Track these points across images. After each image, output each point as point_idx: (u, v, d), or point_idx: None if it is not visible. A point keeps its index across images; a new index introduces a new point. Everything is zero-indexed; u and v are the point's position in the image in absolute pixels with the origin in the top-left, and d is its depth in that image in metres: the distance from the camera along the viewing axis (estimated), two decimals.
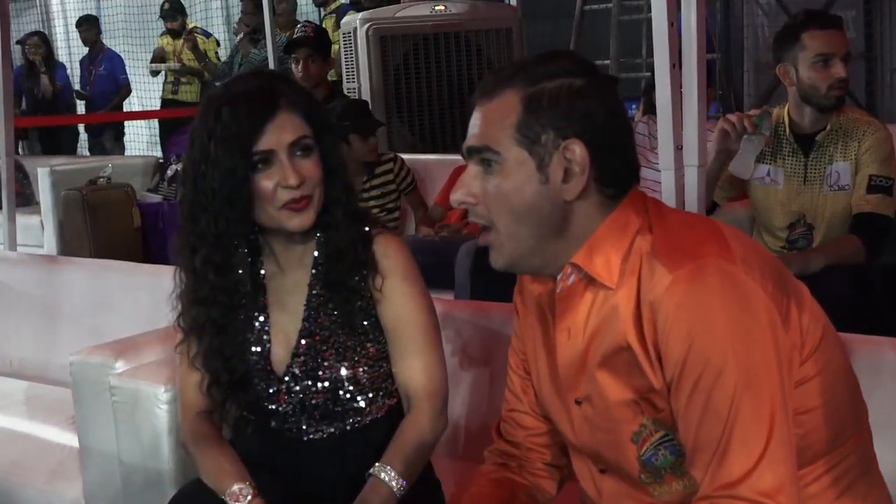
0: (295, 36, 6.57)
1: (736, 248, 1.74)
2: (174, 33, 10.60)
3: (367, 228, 2.37)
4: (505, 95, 1.79)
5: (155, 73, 10.79)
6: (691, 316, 1.67)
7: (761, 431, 1.65)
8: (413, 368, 2.35)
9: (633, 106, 6.51)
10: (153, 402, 2.67)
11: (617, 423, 1.83)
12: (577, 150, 1.76)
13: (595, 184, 1.79)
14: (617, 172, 1.81)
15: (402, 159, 5.60)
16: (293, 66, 6.22)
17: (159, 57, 10.67)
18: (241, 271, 2.33)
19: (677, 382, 1.70)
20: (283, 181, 2.22)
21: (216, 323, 2.33)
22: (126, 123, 11.25)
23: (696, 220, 1.87)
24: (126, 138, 11.23)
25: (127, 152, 11.11)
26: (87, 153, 10.81)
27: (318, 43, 6.31)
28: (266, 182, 2.23)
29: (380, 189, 5.40)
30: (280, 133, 2.23)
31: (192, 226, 2.28)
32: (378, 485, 2.25)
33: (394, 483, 2.25)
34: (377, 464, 2.27)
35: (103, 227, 6.68)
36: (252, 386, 2.37)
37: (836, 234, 3.72)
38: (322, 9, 9.51)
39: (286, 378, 2.35)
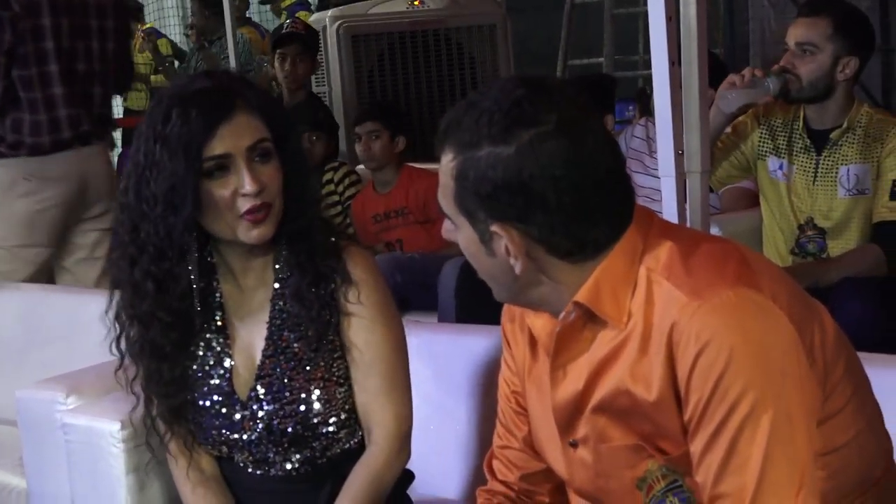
0: (285, 31, 6.54)
1: (760, 272, 1.73)
2: None
3: (333, 239, 2.38)
4: (444, 156, 1.76)
5: None
6: (718, 350, 1.64)
7: (793, 483, 1.63)
8: (376, 404, 2.36)
9: (630, 107, 6.53)
10: (109, 441, 2.66)
11: (619, 468, 1.83)
12: (508, 235, 1.72)
13: (552, 258, 1.75)
14: (582, 241, 1.74)
15: (347, 167, 5.60)
16: (277, 63, 6.21)
17: None
18: (193, 287, 2.31)
19: (698, 421, 1.68)
20: (241, 188, 2.22)
21: (154, 344, 2.32)
22: None
23: (712, 241, 1.81)
24: None
25: None
26: None
27: (308, 42, 6.33)
28: (222, 190, 2.23)
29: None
30: (237, 136, 2.23)
31: (132, 235, 2.27)
32: None
33: None
34: None
35: None
36: (197, 416, 2.38)
37: (850, 240, 3.73)
38: (268, 6, 9.52)
39: (250, 402, 2.35)
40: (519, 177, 1.68)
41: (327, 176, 5.50)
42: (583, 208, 1.71)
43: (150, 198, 2.23)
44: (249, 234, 2.26)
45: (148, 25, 10.92)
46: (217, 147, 2.22)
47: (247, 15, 9.57)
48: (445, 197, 1.78)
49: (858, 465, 1.82)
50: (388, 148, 5.25)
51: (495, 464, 2.14)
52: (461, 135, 1.73)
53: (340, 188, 5.51)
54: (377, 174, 5.32)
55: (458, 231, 1.79)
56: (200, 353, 2.38)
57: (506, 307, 2.04)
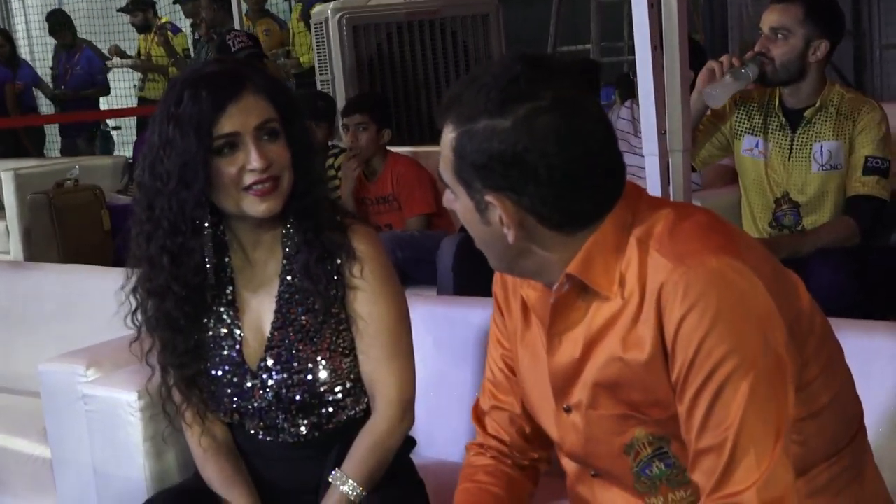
0: (237, 50, 6.33)
1: (742, 244, 1.72)
2: (139, 28, 10.56)
3: (338, 217, 2.37)
4: (445, 129, 1.75)
5: (108, 69, 10.76)
6: (701, 314, 1.64)
7: (769, 438, 1.63)
8: (380, 372, 2.36)
9: (616, 91, 6.51)
10: (127, 410, 2.66)
11: (607, 434, 1.83)
12: (502, 205, 1.71)
13: (544, 228, 1.73)
14: (572, 213, 1.73)
15: (347, 153, 5.60)
16: None
17: (119, 52, 10.64)
18: (207, 262, 2.30)
19: (684, 381, 1.68)
20: (248, 164, 2.22)
21: (169, 316, 2.32)
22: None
23: (698, 214, 1.80)
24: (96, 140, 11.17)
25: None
26: (59, 155, 10.73)
27: (258, 50, 6.36)
28: (231, 167, 2.23)
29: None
30: (245, 116, 2.23)
31: (148, 213, 2.28)
32: (335, 493, 2.30)
33: (350, 491, 2.29)
34: (335, 471, 2.31)
35: (72, 230, 6.64)
36: (209, 385, 2.38)
37: (823, 213, 3.74)
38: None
39: (260, 372, 2.35)
40: (513, 149, 1.66)
41: (330, 161, 5.48)
42: (572, 183, 1.69)
43: (164, 174, 2.23)
44: (258, 207, 2.25)
45: (164, 20, 10.90)
46: (226, 125, 2.22)
47: (265, 7, 9.51)
48: (445, 167, 1.76)
49: (831, 430, 1.82)
50: (374, 140, 5.23)
51: (488, 420, 2.12)
52: (461, 109, 1.71)
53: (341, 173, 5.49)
54: (365, 164, 5.31)
55: (457, 200, 1.78)
56: (212, 324, 2.38)
57: (497, 275, 2.02)
